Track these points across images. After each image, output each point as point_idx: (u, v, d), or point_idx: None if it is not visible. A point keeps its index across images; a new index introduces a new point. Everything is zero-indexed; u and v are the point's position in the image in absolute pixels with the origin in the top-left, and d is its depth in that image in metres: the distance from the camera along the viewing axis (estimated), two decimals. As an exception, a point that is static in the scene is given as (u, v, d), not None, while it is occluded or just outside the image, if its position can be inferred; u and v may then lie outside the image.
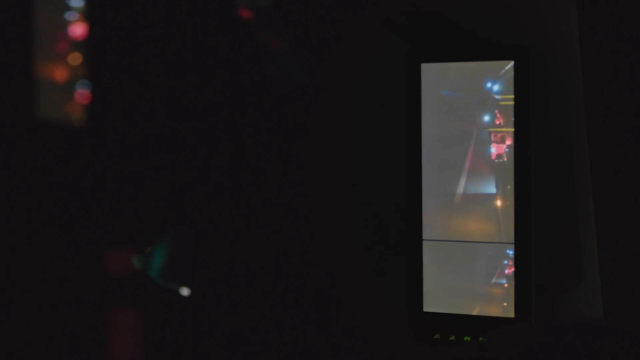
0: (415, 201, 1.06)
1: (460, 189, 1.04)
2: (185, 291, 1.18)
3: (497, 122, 1.02)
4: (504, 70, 1.02)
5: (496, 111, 1.02)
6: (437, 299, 1.06)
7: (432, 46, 1.09)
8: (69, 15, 1.21)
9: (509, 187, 1.02)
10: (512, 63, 1.01)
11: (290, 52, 1.16)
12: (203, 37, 1.17)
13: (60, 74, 1.21)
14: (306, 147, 1.16)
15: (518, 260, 1.02)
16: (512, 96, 1.01)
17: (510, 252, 1.03)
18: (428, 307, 1.07)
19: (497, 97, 1.02)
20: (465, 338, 1.05)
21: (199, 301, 1.17)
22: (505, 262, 1.03)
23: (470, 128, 1.03)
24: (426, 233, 1.06)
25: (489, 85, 1.03)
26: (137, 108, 1.19)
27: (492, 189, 1.03)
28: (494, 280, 1.04)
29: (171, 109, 1.18)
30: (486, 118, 1.03)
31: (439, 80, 1.05)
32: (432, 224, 1.06)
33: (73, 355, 1.14)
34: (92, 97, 1.21)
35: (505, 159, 1.02)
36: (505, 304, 1.03)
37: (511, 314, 1.03)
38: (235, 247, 1.17)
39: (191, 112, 1.18)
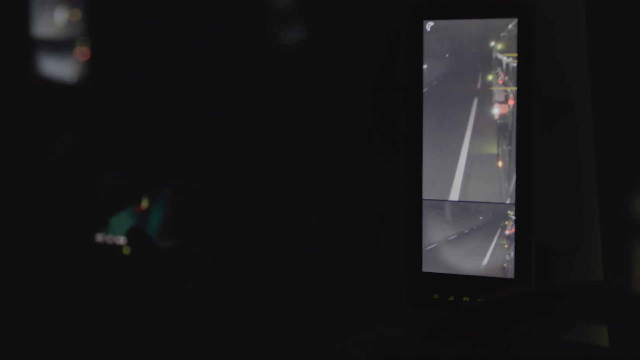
0: (416, 160, 1.05)
1: (462, 148, 1.04)
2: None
3: (501, 82, 1.01)
4: (507, 29, 1.01)
5: (499, 70, 1.01)
6: (436, 259, 1.06)
7: (434, 3, 1.08)
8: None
9: (510, 147, 1.02)
10: (515, 21, 1.00)
11: (292, 8, 1.15)
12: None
13: (59, 30, 1.20)
14: (301, 105, 1.15)
15: (518, 221, 1.02)
16: (515, 54, 1.00)
17: (511, 213, 1.02)
18: (427, 267, 1.06)
19: (500, 55, 1.01)
20: (464, 299, 1.04)
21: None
22: (506, 222, 1.03)
23: (473, 87, 1.02)
24: (426, 193, 1.06)
25: (492, 43, 1.01)
26: (137, 64, 1.18)
27: (494, 149, 1.02)
28: (494, 241, 1.03)
29: (170, 67, 1.17)
30: (489, 77, 1.02)
31: (441, 38, 1.03)
32: (433, 183, 1.05)
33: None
34: (92, 54, 1.20)
35: (508, 119, 1.01)
36: (505, 265, 1.03)
37: (511, 275, 1.03)
38: (233, 209, 1.17)
39: (190, 69, 1.17)
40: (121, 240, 1.19)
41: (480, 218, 1.04)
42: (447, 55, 1.03)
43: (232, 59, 1.16)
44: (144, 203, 1.19)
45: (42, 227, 1.16)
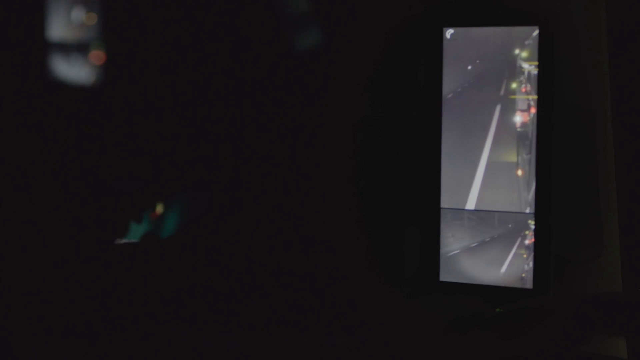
0: (434, 168, 1.05)
1: (482, 156, 1.03)
2: None
3: (524, 90, 1.01)
4: (532, 36, 1.00)
5: (522, 78, 1.00)
6: (454, 268, 1.05)
7: (453, 10, 1.07)
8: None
9: (530, 155, 1.01)
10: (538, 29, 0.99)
11: (307, 14, 1.15)
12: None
13: (75, 34, 1.20)
14: (318, 110, 1.15)
15: (538, 230, 1.01)
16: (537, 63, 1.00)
17: (531, 223, 1.01)
18: (444, 276, 1.05)
19: (524, 63, 1.00)
20: None
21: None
22: (526, 232, 1.02)
23: (496, 95, 1.02)
24: (444, 201, 1.05)
25: (516, 51, 1.00)
26: (152, 69, 1.18)
27: (514, 158, 1.02)
28: (513, 250, 1.02)
29: (184, 72, 1.17)
30: (513, 85, 1.01)
31: (462, 45, 1.03)
32: (452, 192, 1.05)
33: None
34: (107, 58, 1.19)
35: (529, 127, 1.01)
36: (523, 275, 1.02)
37: (529, 285, 1.02)
38: (238, 216, 1.16)
39: (205, 73, 1.17)
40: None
41: (499, 227, 1.03)
42: (470, 62, 1.03)
43: (246, 63, 1.15)
44: (159, 209, 1.18)
45: (61, 232, 1.15)
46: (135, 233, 1.18)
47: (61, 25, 1.20)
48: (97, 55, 1.20)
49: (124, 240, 1.18)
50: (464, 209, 1.04)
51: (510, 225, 1.02)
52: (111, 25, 1.19)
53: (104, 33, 1.19)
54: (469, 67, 1.02)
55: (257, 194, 1.17)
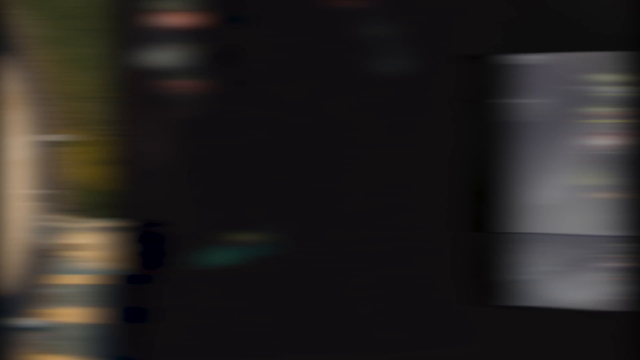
0: (511, 192, 1.04)
1: (566, 180, 1.02)
2: None
3: (609, 114, 1.01)
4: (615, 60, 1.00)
5: (607, 102, 1.00)
6: (538, 292, 1.04)
7: (531, 36, 1.07)
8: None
9: (617, 179, 1.00)
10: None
11: (395, 40, 1.16)
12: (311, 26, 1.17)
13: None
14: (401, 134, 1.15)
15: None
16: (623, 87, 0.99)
17: (616, 246, 1.00)
18: (527, 301, 1.05)
19: (608, 87, 1.00)
20: None
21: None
22: (611, 255, 1.01)
23: (578, 118, 1.01)
24: (529, 225, 1.05)
25: (600, 75, 1.00)
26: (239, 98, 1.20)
27: (600, 181, 1.01)
28: (601, 273, 1.01)
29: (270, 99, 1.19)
30: (596, 109, 1.01)
31: (542, 70, 1.02)
32: (536, 215, 1.04)
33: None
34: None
35: (615, 151, 1.00)
36: (609, 299, 1.01)
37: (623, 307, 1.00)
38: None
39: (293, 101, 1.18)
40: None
41: (585, 251, 1.02)
42: (550, 87, 1.03)
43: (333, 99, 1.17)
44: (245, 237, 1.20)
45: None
46: (223, 258, 1.20)
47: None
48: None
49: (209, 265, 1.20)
50: (546, 233, 1.04)
51: (593, 249, 1.01)
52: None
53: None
54: (550, 93, 1.02)
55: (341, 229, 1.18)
